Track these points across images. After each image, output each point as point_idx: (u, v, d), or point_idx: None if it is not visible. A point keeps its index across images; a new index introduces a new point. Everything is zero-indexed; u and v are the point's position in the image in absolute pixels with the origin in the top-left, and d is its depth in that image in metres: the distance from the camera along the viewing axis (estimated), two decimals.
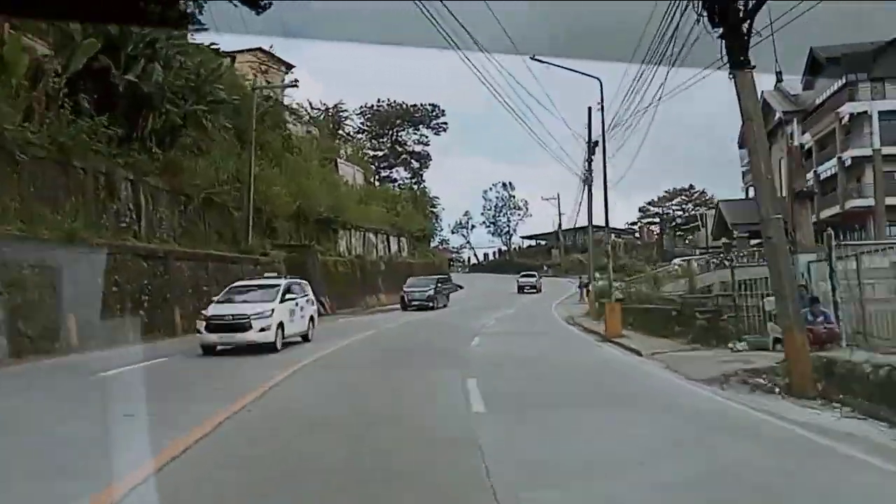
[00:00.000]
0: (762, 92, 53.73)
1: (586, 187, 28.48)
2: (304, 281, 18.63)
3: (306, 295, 17.61)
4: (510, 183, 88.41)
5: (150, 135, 20.93)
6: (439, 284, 36.50)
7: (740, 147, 64.76)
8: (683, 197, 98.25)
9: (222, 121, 24.93)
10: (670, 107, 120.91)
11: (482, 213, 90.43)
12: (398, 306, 36.10)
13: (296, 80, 44.38)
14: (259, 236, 29.64)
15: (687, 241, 73.44)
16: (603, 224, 32.38)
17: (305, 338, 16.75)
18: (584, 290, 39.10)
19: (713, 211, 66.05)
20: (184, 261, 20.21)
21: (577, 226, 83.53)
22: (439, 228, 67.17)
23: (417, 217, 58.07)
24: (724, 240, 56.12)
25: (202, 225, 24.72)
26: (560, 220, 77.53)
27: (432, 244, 68.32)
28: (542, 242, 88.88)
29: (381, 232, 47.65)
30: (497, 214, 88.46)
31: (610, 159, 29.16)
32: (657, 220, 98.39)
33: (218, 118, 24.22)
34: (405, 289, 35.35)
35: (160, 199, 21.54)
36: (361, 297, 36.88)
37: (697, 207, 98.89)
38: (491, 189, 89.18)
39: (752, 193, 65.01)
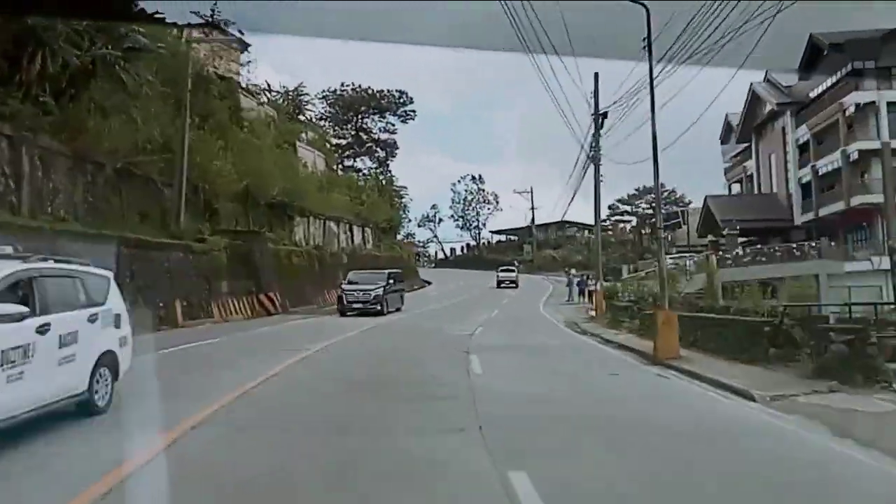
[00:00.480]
0: (750, 83, 50.87)
1: (593, 166, 24.45)
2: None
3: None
4: (480, 176, 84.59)
5: (42, 82, 16.11)
6: (391, 282, 27.84)
7: (723, 143, 61.98)
8: (653, 195, 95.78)
9: (146, 75, 20.08)
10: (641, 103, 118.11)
11: (451, 207, 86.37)
12: None
13: (251, 61, 39.60)
14: (196, 219, 24.92)
15: (668, 239, 70.29)
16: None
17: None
18: (582, 290, 35.18)
19: (693, 208, 63.22)
20: (82, 242, 15.42)
21: (550, 221, 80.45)
22: (406, 220, 62.80)
23: (383, 207, 53.60)
24: (710, 237, 53.00)
25: (118, 201, 19.93)
26: (533, 214, 73.96)
27: (399, 237, 63.92)
28: (513, 238, 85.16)
29: (344, 221, 43.08)
30: (466, 208, 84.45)
31: (607, 134, 24.77)
32: (628, 217, 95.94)
33: (139, 70, 19.38)
34: (344, 286, 26.85)
35: (55, 166, 16.75)
36: (319, 293, 32.28)
37: (667, 206, 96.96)
38: (460, 181, 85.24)
39: (735, 190, 62.18)
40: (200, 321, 22.03)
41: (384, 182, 58.79)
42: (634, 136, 35.24)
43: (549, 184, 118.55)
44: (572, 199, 55.96)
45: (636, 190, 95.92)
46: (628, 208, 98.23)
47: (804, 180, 44.93)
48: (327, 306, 30.88)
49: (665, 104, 36.51)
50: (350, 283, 27.20)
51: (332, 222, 40.63)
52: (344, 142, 68.53)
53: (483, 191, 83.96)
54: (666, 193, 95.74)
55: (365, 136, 68.70)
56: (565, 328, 21.65)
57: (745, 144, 54.10)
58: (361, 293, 25.79)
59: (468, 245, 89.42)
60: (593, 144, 24.34)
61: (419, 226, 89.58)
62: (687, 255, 48.24)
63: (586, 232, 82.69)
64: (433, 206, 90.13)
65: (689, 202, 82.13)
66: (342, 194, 47.22)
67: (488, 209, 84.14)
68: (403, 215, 61.31)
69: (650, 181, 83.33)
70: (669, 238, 74.41)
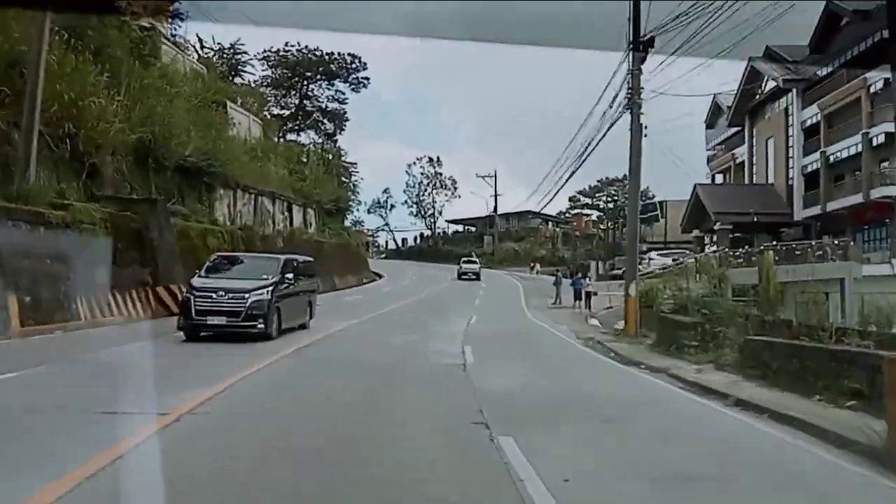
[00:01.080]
0: (749, 59, 45.67)
1: (632, 116, 17.93)
2: None
3: None
4: (438, 158, 77.65)
5: None
6: (289, 277, 15.44)
7: (709, 127, 56.95)
8: (615, 188, 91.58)
9: None
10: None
11: (405, 191, 79.22)
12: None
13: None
14: (66, 176, 17.44)
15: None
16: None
17: None
18: (578, 291, 28.60)
19: (676, 201, 57.95)
20: None
21: (512, 211, 74.33)
22: (356, 202, 55.33)
23: (329, 184, 46.22)
24: (696, 232, 47.68)
25: None
26: (496, 201, 67.66)
27: (347, 222, 56.64)
28: (472, 228, 78.77)
29: (282, 198, 35.70)
30: (422, 193, 77.53)
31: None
32: (588, 211, 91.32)
33: None
34: (195, 283, 14.69)
35: None
36: None
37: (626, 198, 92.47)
38: (416, 163, 78.11)
39: (719, 179, 57.23)
40: (54, 325, 14.76)
41: (331, 156, 51.22)
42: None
43: (512, 178, 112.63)
44: (570, 176, 45.35)
45: (598, 181, 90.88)
46: (589, 201, 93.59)
47: (809, 169, 39.93)
48: None
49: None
50: (208, 275, 15.10)
51: (267, 198, 33.23)
52: (287, 112, 60.59)
53: (440, 174, 77.26)
54: (626, 187, 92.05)
55: (310, 106, 60.85)
56: (594, 352, 14.88)
57: (737, 129, 48.99)
58: (227, 298, 13.89)
59: (422, 235, 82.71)
60: (629, 85, 17.83)
61: (369, 212, 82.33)
62: (676, 251, 42.70)
63: (550, 224, 76.99)
64: (385, 191, 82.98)
65: (653, 196, 76.90)
66: (280, 167, 39.79)
67: (446, 196, 77.51)
68: (353, 196, 53.88)
69: (613, 171, 77.36)
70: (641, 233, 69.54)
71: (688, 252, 42.00)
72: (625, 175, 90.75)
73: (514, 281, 48.82)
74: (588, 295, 27.23)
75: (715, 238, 43.13)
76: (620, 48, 17.42)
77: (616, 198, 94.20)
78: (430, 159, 77.29)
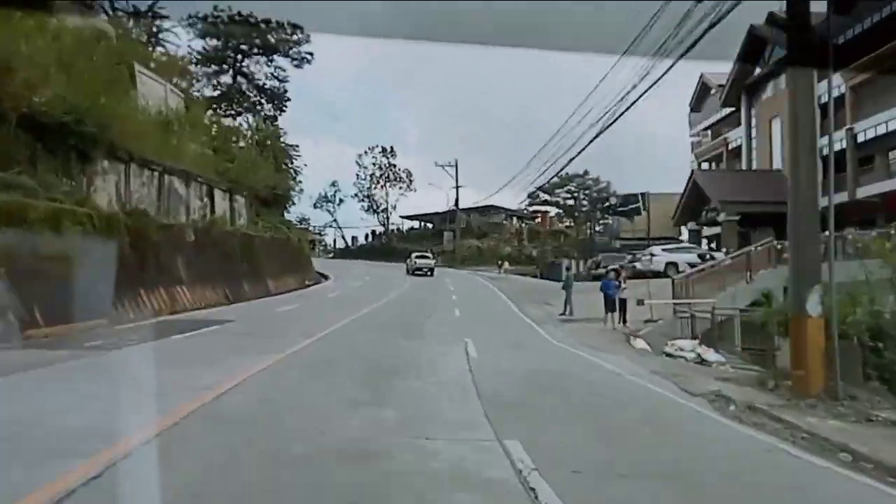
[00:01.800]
0: (750, 25, 40.13)
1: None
2: None
3: None
4: (391, 148, 70.47)
5: None
6: None
7: (693, 110, 51.60)
8: (576, 184, 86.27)
9: None
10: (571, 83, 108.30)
11: (355, 183, 71.73)
12: (212, 316, 17.68)
13: None
14: None
15: (614, 229, 59.14)
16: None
17: None
18: (612, 298, 19.88)
19: (659, 193, 52.28)
20: None
21: (473, 206, 67.58)
22: (298, 191, 47.61)
23: (265, 168, 38.63)
24: (691, 226, 42.01)
25: None
26: (458, 193, 60.90)
27: (290, 216, 49.03)
28: (429, 224, 71.91)
29: (200, 180, 28.09)
30: (374, 185, 70.20)
31: None
32: (546, 207, 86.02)
33: None
34: None
35: None
36: (126, 295, 17.49)
37: (587, 194, 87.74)
38: (367, 153, 70.75)
39: (706, 169, 51.78)
40: None
41: (269, 134, 43.45)
42: None
43: (470, 176, 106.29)
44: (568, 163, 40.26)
45: (558, 177, 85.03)
46: (548, 197, 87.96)
47: (826, 151, 34.50)
48: (138, 320, 16.29)
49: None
50: None
51: (178, 179, 25.63)
52: (218, 93, 52.52)
53: (394, 166, 70.10)
54: (591, 182, 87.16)
55: (247, 85, 52.95)
56: (776, 442, 6.92)
57: (730, 110, 43.60)
58: None
59: (374, 232, 75.44)
60: None
61: (315, 206, 74.68)
62: (688, 246, 36.73)
63: (514, 220, 70.84)
64: (333, 184, 75.23)
65: (614, 192, 71.24)
66: (205, 145, 32.23)
67: (400, 189, 70.37)
68: (295, 185, 46.16)
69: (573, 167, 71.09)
70: (615, 228, 63.66)
71: (703, 248, 35.95)
72: (585, 171, 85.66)
73: (484, 282, 42.24)
74: (623, 304, 20.21)
75: (719, 231, 37.50)
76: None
77: (576, 194, 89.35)
78: (384, 149, 70.19)
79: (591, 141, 24.40)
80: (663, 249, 32.72)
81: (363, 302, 25.24)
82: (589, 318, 20.78)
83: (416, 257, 49.26)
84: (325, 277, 46.57)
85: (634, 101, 16.54)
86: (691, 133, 50.57)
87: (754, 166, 40.41)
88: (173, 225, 23.03)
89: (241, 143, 38.43)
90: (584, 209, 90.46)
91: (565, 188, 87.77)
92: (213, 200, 29.34)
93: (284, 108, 52.84)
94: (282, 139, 48.39)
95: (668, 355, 14.50)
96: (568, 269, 30.87)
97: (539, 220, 73.04)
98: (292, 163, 45.63)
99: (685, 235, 41.38)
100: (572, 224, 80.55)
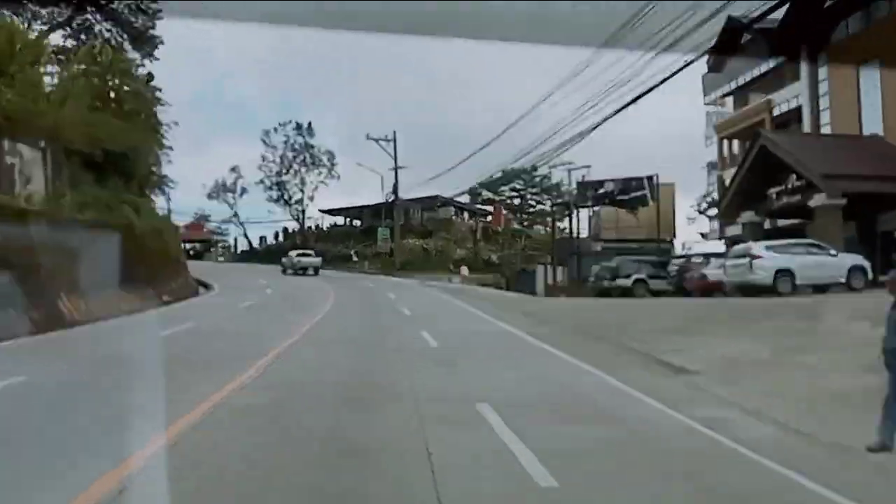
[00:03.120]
0: None
1: None
2: None
3: None
4: (309, 125, 55.65)
5: None
6: None
7: (712, 70, 39.94)
8: (522, 180, 74.96)
9: None
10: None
11: (260, 166, 56.43)
12: None
13: None
14: None
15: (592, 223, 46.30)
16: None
17: None
18: None
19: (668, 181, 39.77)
20: None
21: (414, 196, 53.66)
22: (166, 157, 32.05)
23: (102, 118, 23.62)
24: (747, 217, 29.76)
25: None
26: (397, 177, 46.60)
27: (165, 203, 34.05)
28: (356, 221, 57.55)
29: None
30: (285, 170, 55.26)
31: None
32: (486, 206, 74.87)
33: None
34: None
35: None
36: None
37: (536, 194, 76.31)
38: (277, 130, 55.71)
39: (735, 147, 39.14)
40: None
41: (119, 62, 28.17)
42: None
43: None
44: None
45: (502, 171, 72.88)
46: (491, 195, 75.87)
47: None
48: None
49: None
50: None
51: None
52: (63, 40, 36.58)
53: (312, 147, 55.30)
54: (539, 179, 76.47)
55: (99, 20, 37.12)
56: None
57: (776, 62, 31.89)
58: None
59: (286, 230, 60.24)
60: None
61: (210, 197, 59.09)
62: (804, 245, 23.55)
63: (466, 215, 57.49)
64: (233, 169, 59.64)
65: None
66: None
67: (319, 175, 55.65)
68: (162, 147, 30.61)
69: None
70: (592, 222, 50.87)
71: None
72: (533, 165, 73.94)
73: (445, 296, 28.56)
74: None
75: (797, 222, 25.33)
76: None
77: (522, 192, 77.88)
78: (298, 125, 55.21)
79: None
80: (767, 248, 19.88)
81: (234, 352, 11.20)
82: None
83: (299, 255, 43.14)
84: (207, 287, 32.16)
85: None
86: (707, 101, 38.67)
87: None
88: None
89: (54, 69, 23.28)
90: (531, 209, 79.73)
91: (510, 185, 76.90)
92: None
93: (153, 55, 37.07)
94: (136, 73, 32.51)
95: None
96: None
97: (492, 217, 60.05)
98: (154, 115, 30.08)
99: (734, 231, 29.05)
100: (525, 224, 68.90)
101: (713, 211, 55.29)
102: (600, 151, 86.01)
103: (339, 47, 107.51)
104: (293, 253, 44.36)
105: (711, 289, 20.86)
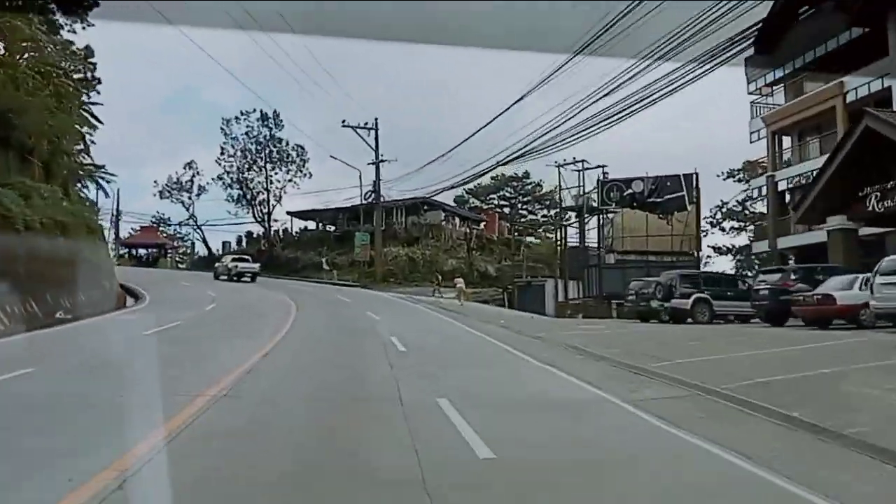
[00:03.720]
0: None
1: None
2: None
3: None
4: (276, 114, 48.61)
5: None
6: None
7: (760, 51, 34.18)
8: (513, 186, 70.45)
9: None
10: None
11: (219, 160, 49.28)
12: None
13: None
14: None
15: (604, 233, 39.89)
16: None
17: None
18: None
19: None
20: None
21: (398, 199, 46.68)
22: (90, 137, 25.20)
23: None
24: (837, 221, 23.40)
25: None
26: (378, 172, 39.66)
27: (90, 190, 27.73)
28: (330, 227, 50.52)
29: None
30: (249, 167, 48.21)
31: None
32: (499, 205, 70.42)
33: None
34: None
35: None
36: None
37: (527, 203, 70.15)
38: (238, 120, 48.65)
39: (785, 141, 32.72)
40: None
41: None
42: None
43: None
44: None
45: (493, 178, 67.17)
46: (478, 203, 70.35)
47: None
48: None
49: None
50: None
51: None
52: None
53: (280, 140, 48.32)
54: (531, 185, 72.25)
55: None
56: None
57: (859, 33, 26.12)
58: None
59: (250, 235, 53.02)
60: None
61: (164, 195, 51.87)
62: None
63: (458, 220, 50.90)
64: (189, 165, 52.43)
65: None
66: None
67: (288, 172, 48.65)
68: (92, 127, 23.58)
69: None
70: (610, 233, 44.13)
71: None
72: (525, 172, 67.94)
73: (445, 317, 21.87)
74: None
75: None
76: None
77: (513, 200, 72.43)
78: (264, 115, 48.19)
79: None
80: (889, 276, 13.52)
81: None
82: None
83: (234, 260, 40.21)
84: (137, 299, 25.56)
85: None
86: (751, 89, 32.70)
87: None
88: None
89: None
90: (522, 219, 75.85)
91: (499, 193, 71.75)
92: None
93: (86, 19, 30.11)
94: (74, 56, 26.00)
95: None
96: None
97: (486, 225, 53.57)
98: (71, 80, 23.06)
99: (789, 242, 22.79)
100: (518, 234, 63.59)
101: (729, 223, 49.45)
102: (604, 159, 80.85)
103: (319, 53, 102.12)
104: (227, 258, 41.48)
105: (835, 315, 14.66)
